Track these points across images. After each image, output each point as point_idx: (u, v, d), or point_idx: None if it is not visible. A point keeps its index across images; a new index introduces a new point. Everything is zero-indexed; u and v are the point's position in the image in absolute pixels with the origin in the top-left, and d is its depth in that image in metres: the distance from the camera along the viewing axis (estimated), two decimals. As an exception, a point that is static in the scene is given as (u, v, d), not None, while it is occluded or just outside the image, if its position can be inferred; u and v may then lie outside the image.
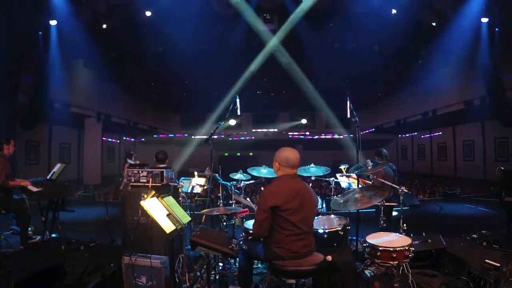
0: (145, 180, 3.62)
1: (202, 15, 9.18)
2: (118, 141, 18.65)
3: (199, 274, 3.36)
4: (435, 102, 14.05)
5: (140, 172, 3.67)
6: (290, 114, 22.29)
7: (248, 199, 4.21)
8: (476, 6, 8.48)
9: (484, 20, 8.72)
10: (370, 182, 4.43)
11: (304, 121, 21.60)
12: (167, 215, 2.72)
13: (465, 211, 7.99)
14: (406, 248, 2.79)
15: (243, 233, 3.64)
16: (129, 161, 6.35)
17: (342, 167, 4.32)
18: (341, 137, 18.81)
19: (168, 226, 2.64)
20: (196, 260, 3.88)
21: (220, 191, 4.05)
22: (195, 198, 7.96)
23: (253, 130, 22.07)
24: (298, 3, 9.22)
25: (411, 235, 3.35)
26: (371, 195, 3.40)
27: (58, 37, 9.02)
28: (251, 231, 3.28)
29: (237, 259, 3.01)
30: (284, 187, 2.59)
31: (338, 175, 4.43)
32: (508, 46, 8.77)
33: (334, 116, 16.87)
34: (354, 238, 3.97)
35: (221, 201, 3.93)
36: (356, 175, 4.04)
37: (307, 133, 21.80)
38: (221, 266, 3.60)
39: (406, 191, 3.42)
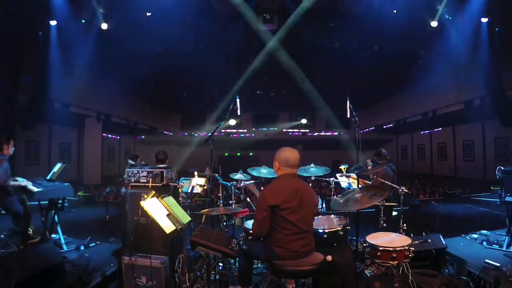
0: (145, 180, 3.63)
1: (202, 15, 9.19)
2: (118, 137, 18.57)
3: (199, 274, 3.36)
4: (435, 102, 14.05)
5: (140, 172, 3.68)
6: (290, 114, 22.27)
7: (248, 199, 4.21)
8: (476, 6, 8.45)
9: (484, 20, 8.71)
10: (370, 182, 4.42)
11: (304, 121, 21.58)
12: (167, 215, 2.73)
13: (465, 211, 7.98)
14: (406, 248, 2.79)
15: (243, 233, 3.64)
16: (129, 161, 6.33)
17: (342, 167, 4.33)
18: (341, 134, 18.79)
19: (168, 226, 2.65)
20: (196, 260, 3.87)
21: (220, 191, 4.05)
22: (195, 198, 7.99)
23: (253, 129, 22.11)
24: (298, 3, 9.21)
25: (411, 235, 3.35)
26: (371, 195, 3.40)
27: (58, 37, 9.00)
28: (251, 231, 3.28)
29: (237, 259, 3.01)
30: (284, 187, 2.60)
31: (338, 175, 4.44)
32: (508, 46, 8.76)
33: (334, 116, 16.86)
34: (354, 238, 3.97)
35: (221, 201, 3.94)
36: (356, 175, 4.04)
37: (307, 130, 21.82)
38: (221, 266, 3.60)
39: (406, 191, 3.42)
